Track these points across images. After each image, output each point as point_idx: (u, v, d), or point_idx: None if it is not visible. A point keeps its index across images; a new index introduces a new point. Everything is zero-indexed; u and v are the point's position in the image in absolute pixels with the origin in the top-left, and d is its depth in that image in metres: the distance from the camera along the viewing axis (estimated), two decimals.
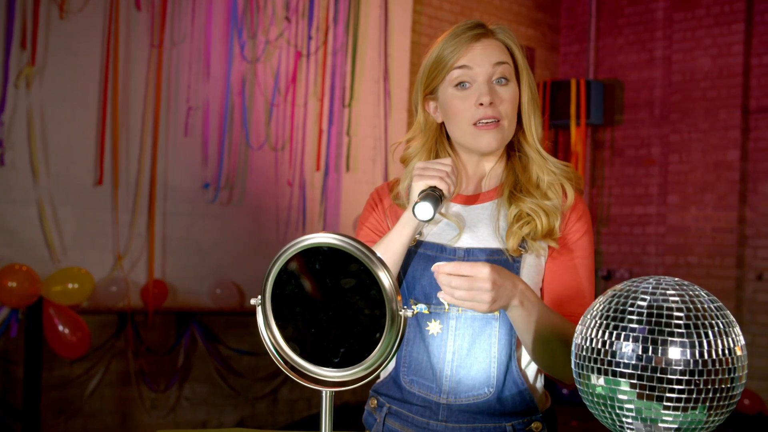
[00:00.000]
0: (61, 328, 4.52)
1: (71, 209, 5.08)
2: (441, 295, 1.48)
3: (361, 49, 6.37)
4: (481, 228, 1.75)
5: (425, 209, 1.57)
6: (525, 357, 1.75)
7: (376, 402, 1.83)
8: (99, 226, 5.19)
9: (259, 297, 1.35)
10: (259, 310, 1.36)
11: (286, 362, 1.36)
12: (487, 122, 1.72)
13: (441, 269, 1.47)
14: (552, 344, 1.61)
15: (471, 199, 1.80)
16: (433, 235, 1.77)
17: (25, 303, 4.48)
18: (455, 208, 1.79)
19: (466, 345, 1.71)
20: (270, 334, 1.36)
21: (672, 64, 7.32)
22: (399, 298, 1.28)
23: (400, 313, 1.28)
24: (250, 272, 5.75)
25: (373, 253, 1.27)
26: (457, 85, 1.73)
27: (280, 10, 5.96)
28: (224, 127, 5.69)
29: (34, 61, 4.88)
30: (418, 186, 1.63)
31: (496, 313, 1.70)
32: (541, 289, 1.76)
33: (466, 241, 1.74)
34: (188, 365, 5.56)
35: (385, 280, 1.26)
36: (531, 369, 1.76)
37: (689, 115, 7.19)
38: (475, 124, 1.72)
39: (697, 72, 7.16)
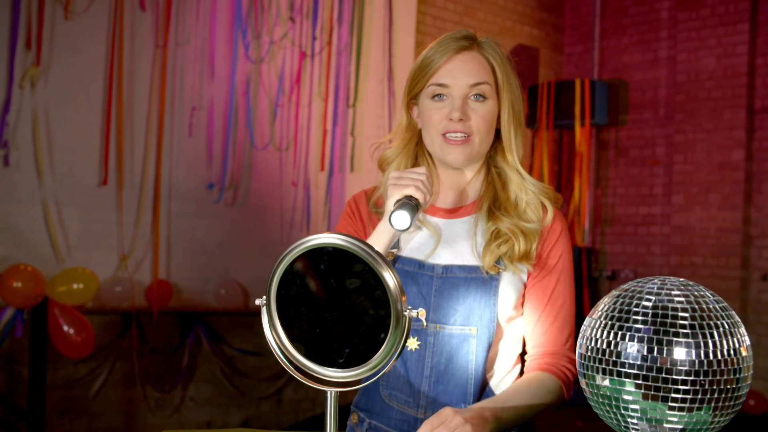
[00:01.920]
0: (66, 328, 4.53)
1: (76, 209, 5.08)
2: None
3: (366, 50, 6.37)
4: (460, 243, 1.75)
5: (402, 218, 1.55)
6: (496, 376, 1.77)
7: (357, 417, 1.84)
8: (103, 227, 5.19)
9: (264, 297, 1.35)
10: (263, 310, 1.36)
11: (290, 362, 1.36)
12: (455, 137, 1.72)
13: None
14: (538, 412, 1.69)
15: (450, 213, 1.79)
16: (411, 250, 1.77)
17: (30, 303, 4.49)
18: (434, 220, 1.79)
19: (444, 361, 1.71)
20: (275, 334, 1.35)
21: (677, 64, 7.31)
22: (404, 298, 1.28)
23: (405, 313, 1.28)
24: (254, 272, 5.75)
25: (378, 253, 1.27)
26: (434, 96, 1.74)
27: (285, 11, 5.96)
28: (229, 128, 5.70)
29: (39, 62, 4.89)
30: (394, 196, 1.62)
31: (473, 330, 1.70)
32: (522, 304, 1.77)
33: (444, 258, 1.74)
34: (193, 365, 5.56)
35: (390, 280, 1.26)
36: (503, 385, 1.77)
37: (694, 115, 7.18)
38: (444, 135, 1.73)
39: (701, 72, 7.15)
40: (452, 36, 1.75)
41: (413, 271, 1.74)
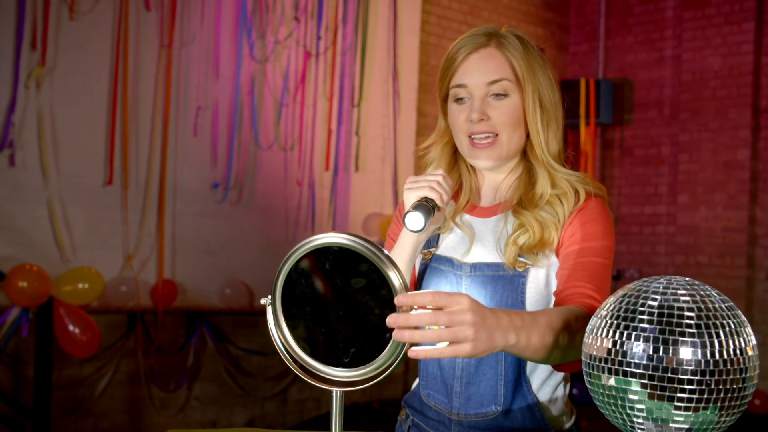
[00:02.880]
0: (71, 327, 4.54)
1: (81, 209, 5.09)
2: (397, 335, 1.23)
3: (370, 49, 6.37)
4: (491, 241, 1.73)
5: (416, 219, 1.55)
6: (537, 377, 1.71)
7: (405, 413, 1.85)
8: (109, 226, 5.20)
9: (269, 297, 1.35)
10: (269, 309, 1.35)
11: (295, 362, 1.36)
12: (481, 139, 1.69)
13: (403, 301, 1.24)
14: (561, 349, 1.47)
15: (484, 211, 1.78)
16: (446, 248, 1.76)
17: (35, 303, 4.50)
18: (469, 219, 1.77)
19: (474, 362, 1.69)
20: (280, 333, 1.35)
21: (682, 63, 7.30)
22: None
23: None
24: (259, 272, 5.76)
25: (383, 252, 1.27)
26: (456, 99, 1.72)
27: (289, 10, 5.96)
28: (233, 127, 5.70)
29: (44, 62, 4.90)
30: (410, 199, 1.62)
31: None
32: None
33: (475, 256, 1.72)
34: (198, 365, 5.57)
35: (395, 279, 1.26)
36: (545, 390, 1.72)
37: (699, 114, 7.17)
38: (470, 137, 1.70)
39: (707, 71, 7.14)
40: (471, 33, 1.72)
41: (445, 269, 1.72)
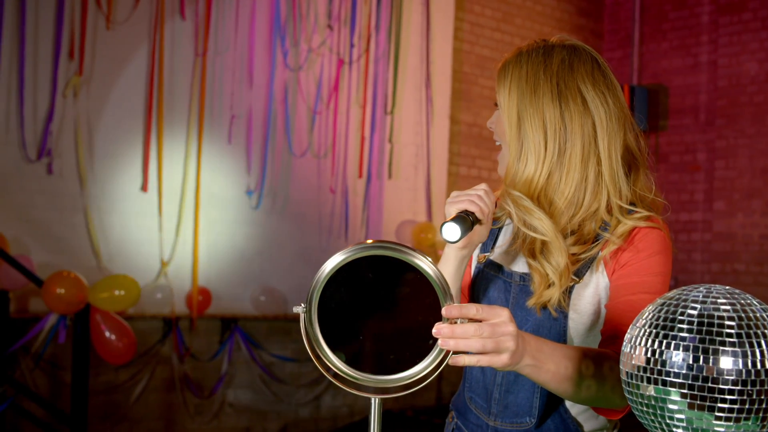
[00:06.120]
0: (107, 334, 4.58)
1: (117, 216, 5.15)
2: (444, 343, 1.27)
3: (403, 56, 6.38)
4: None
5: (452, 230, 1.52)
6: None
7: (451, 416, 1.85)
8: (144, 233, 5.25)
9: (303, 305, 1.33)
10: (302, 317, 1.33)
11: (328, 370, 1.36)
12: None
13: (452, 313, 1.28)
14: (584, 387, 1.48)
15: None
16: (499, 254, 1.75)
17: (72, 309, 4.54)
18: None
19: (514, 371, 1.68)
20: (316, 342, 1.34)
21: (718, 69, 7.22)
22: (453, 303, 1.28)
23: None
24: (293, 279, 5.78)
25: (421, 256, 1.26)
26: None
27: (323, 18, 5.99)
28: (267, 135, 5.73)
29: (81, 71, 4.96)
30: (450, 213, 1.60)
31: None
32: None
33: (524, 265, 1.69)
34: (232, 371, 5.60)
35: (439, 282, 1.26)
36: (578, 407, 1.69)
37: (736, 120, 7.09)
38: None
39: (743, 76, 7.06)
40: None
41: (496, 276, 1.72)
